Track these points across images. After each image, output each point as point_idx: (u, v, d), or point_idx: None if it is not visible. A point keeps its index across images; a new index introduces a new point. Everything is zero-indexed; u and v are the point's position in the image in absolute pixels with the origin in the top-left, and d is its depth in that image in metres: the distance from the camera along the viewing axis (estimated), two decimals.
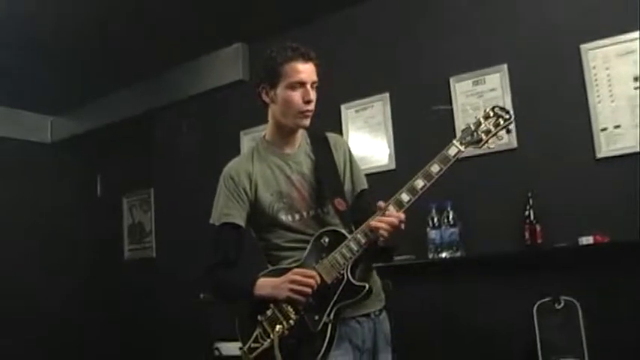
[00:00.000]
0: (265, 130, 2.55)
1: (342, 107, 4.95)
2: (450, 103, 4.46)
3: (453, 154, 2.27)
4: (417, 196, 2.25)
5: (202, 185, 4.90)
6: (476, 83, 4.41)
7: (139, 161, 6.59)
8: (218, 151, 5.48)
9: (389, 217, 2.20)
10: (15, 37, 5.12)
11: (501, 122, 2.32)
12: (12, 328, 6.10)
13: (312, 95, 2.36)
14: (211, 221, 2.43)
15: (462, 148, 2.27)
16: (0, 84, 5.88)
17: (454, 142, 2.29)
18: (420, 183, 2.25)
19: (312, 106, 2.38)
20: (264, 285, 2.29)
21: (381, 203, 2.24)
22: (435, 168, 2.26)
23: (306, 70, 2.33)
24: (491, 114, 2.33)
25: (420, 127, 4.60)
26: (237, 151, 5.14)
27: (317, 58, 2.39)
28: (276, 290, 2.25)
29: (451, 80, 4.49)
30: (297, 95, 2.33)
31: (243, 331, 2.31)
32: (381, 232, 2.19)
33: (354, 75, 4.85)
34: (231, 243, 2.39)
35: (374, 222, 2.21)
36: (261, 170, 2.45)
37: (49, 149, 7.20)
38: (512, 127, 2.36)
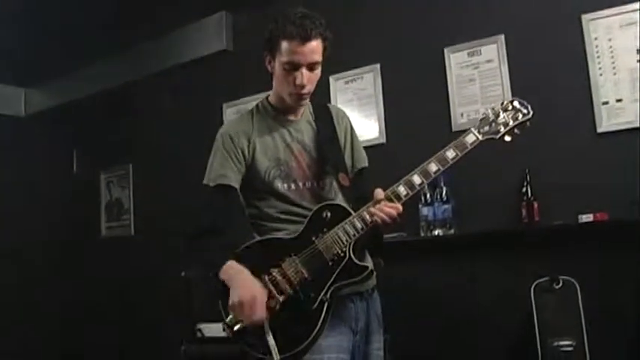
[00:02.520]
0: (270, 92, 2.43)
1: (331, 78, 4.82)
2: (445, 75, 4.35)
3: (470, 141, 2.24)
4: (429, 180, 2.20)
5: (183, 160, 4.79)
6: (471, 54, 4.30)
7: (117, 136, 6.40)
8: (200, 125, 5.33)
9: (390, 208, 2.13)
10: None
11: (520, 117, 2.29)
12: None
13: (307, 78, 2.23)
14: (205, 181, 2.32)
15: (479, 137, 2.26)
16: None
17: (472, 129, 2.28)
18: (433, 167, 2.21)
19: (307, 90, 2.26)
20: (228, 273, 2.14)
21: (379, 190, 2.17)
22: (450, 153, 2.22)
23: (303, 51, 2.17)
24: (510, 107, 2.31)
25: (412, 99, 4.49)
26: (219, 124, 4.97)
27: (324, 31, 2.21)
28: (231, 289, 2.10)
29: (445, 51, 4.38)
30: (290, 77, 2.23)
31: (227, 302, 2.15)
32: (378, 220, 2.12)
33: (344, 45, 4.66)
34: (224, 207, 2.30)
35: (374, 209, 2.13)
36: (261, 134, 2.35)
37: (22, 123, 7.01)
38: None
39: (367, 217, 2.14)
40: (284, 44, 2.17)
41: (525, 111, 2.29)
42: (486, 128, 2.26)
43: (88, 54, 6.15)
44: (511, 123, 2.27)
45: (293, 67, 2.19)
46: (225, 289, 2.17)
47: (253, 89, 4.70)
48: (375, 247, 2.41)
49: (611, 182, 3.69)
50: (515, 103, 2.31)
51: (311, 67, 2.22)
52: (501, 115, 2.28)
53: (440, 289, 4.19)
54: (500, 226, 4.01)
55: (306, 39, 2.16)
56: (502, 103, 2.31)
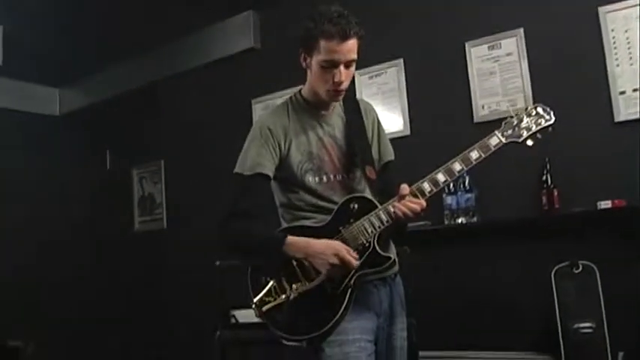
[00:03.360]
0: (303, 87, 2.48)
1: (356, 73, 4.82)
2: (466, 68, 4.45)
3: (494, 144, 2.30)
4: (453, 179, 2.28)
5: (213, 155, 4.92)
6: (492, 48, 4.38)
7: (149, 132, 6.56)
8: (229, 121, 5.47)
9: (413, 203, 2.20)
10: (22, 8, 5.08)
11: (542, 122, 2.34)
12: (24, 299, 6.17)
13: (345, 76, 2.28)
14: (239, 170, 2.34)
15: (503, 140, 2.31)
16: (8, 56, 5.81)
17: (496, 132, 2.32)
18: (457, 166, 2.26)
19: (344, 86, 2.31)
20: (298, 247, 2.22)
21: (405, 186, 2.23)
22: (474, 154, 2.27)
23: (341, 50, 2.22)
24: (534, 112, 2.36)
25: (434, 93, 4.59)
26: (248, 121, 5.13)
27: (360, 29, 2.26)
28: (312, 258, 2.19)
29: (466, 45, 4.46)
30: (328, 74, 2.26)
31: (256, 282, 2.28)
32: (400, 214, 2.19)
33: (368, 41, 4.74)
34: (260, 195, 2.33)
35: (399, 204, 2.20)
36: (295, 127, 2.40)
37: (57, 122, 7.18)
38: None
39: (392, 210, 2.21)
40: (322, 43, 2.21)
41: (548, 117, 2.35)
42: (510, 132, 2.32)
43: (119, 54, 6.28)
44: (534, 128, 2.33)
45: (332, 64, 2.23)
46: (254, 270, 2.29)
47: (280, 85, 4.79)
48: (398, 237, 2.48)
49: (628, 170, 3.76)
50: (539, 109, 2.36)
51: (347, 65, 2.26)
52: (525, 120, 2.34)
53: (464, 276, 4.29)
54: (521, 213, 4.09)
55: (345, 38, 2.20)
56: (526, 109, 2.37)
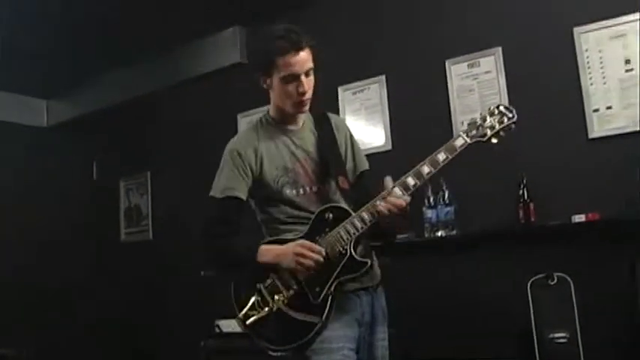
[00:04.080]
0: (269, 107, 2.56)
1: (339, 89, 5.02)
2: (446, 85, 4.55)
3: (459, 144, 2.33)
4: (422, 182, 2.32)
5: (199, 168, 4.97)
6: (471, 66, 4.48)
7: (136, 144, 6.60)
8: (215, 134, 5.49)
9: (395, 199, 2.25)
10: (10, 18, 5.10)
11: (505, 121, 2.37)
12: (10, 311, 6.14)
13: (307, 85, 2.36)
14: (212, 194, 2.43)
15: (468, 140, 2.33)
16: None
17: (461, 133, 2.36)
18: (426, 169, 2.30)
19: (308, 95, 2.39)
20: (268, 252, 2.33)
21: (388, 179, 2.31)
22: (441, 156, 2.31)
23: (298, 62, 2.31)
24: (496, 111, 2.39)
25: (416, 108, 4.67)
26: (234, 134, 5.13)
27: (311, 39, 2.35)
28: (280, 258, 2.29)
29: (447, 63, 4.56)
30: (291, 87, 2.34)
31: (239, 298, 2.34)
32: (383, 210, 2.25)
33: (351, 57, 4.90)
34: (233, 216, 2.40)
35: (379, 203, 2.27)
36: (267, 146, 2.46)
37: (45, 133, 7.18)
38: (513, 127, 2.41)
39: (366, 216, 2.26)
40: (278, 60, 2.29)
41: (510, 115, 2.37)
42: (474, 132, 2.35)
43: (108, 66, 6.29)
44: (497, 126, 2.35)
45: (292, 78, 2.31)
46: (237, 286, 2.37)
47: (265, 101, 4.80)
48: (387, 240, 2.56)
49: (602, 184, 3.88)
50: (501, 108, 2.39)
51: (307, 74, 2.35)
52: (488, 119, 2.36)
53: (443, 287, 4.34)
54: (498, 226, 4.16)
55: (298, 49, 2.29)
56: (489, 108, 2.41)
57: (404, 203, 2.26)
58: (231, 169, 2.42)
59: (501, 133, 2.38)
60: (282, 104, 2.44)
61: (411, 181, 2.30)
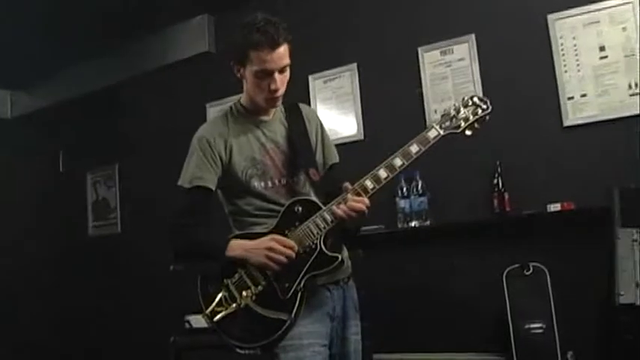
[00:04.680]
0: (241, 95, 2.49)
1: (310, 78, 4.94)
2: (419, 73, 4.50)
3: (432, 136, 2.30)
4: (394, 174, 2.27)
5: (168, 160, 4.88)
6: (444, 53, 4.44)
7: (103, 136, 6.47)
8: (184, 125, 5.40)
9: (356, 202, 2.21)
10: None
11: (479, 112, 2.36)
12: None
13: (280, 82, 2.32)
14: (180, 183, 2.37)
15: (441, 132, 2.32)
16: None
17: (434, 125, 2.34)
18: (398, 161, 2.27)
19: (280, 92, 2.35)
20: (237, 247, 2.27)
21: (347, 185, 2.26)
22: (414, 148, 2.28)
23: (273, 59, 2.25)
24: (470, 102, 2.38)
25: (388, 97, 4.62)
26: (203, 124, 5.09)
27: (288, 34, 2.29)
28: (250, 254, 2.23)
29: (419, 50, 4.51)
30: (263, 83, 2.30)
31: (206, 294, 2.29)
32: (343, 214, 2.21)
33: (323, 45, 4.84)
34: (201, 206, 2.35)
35: (342, 207, 2.22)
36: (237, 135, 2.41)
37: (9, 124, 7.05)
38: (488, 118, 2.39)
39: (337, 211, 2.22)
40: (253, 54, 2.24)
41: (485, 106, 2.36)
42: (448, 123, 2.33)
43: (73, 56, 6.17)
44: (471, 118, 2.34)
45: (265, 74, 2.27)
46: (204, 281, 2.31)
47: (235, 90, 4.65)
48: (351, 239, 2.49)
49: (577, 173, 3.87)
50: (475, 99, 2.38)
51: (281, 71, 2.30)
52: (462, 110, 2.35)
53: (417, 278, 4.31)
54: (473, 216, 4.14)
55: (274, 46, 2.23)
56: (463, 99, 2.39)
57: (363, 207, 2.22)
58: (200, 158, 2.36)
59: (476, 124, 2.37)
60: (254, 96, 2.39)
61: (382, 173, 2.26)
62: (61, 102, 6.59)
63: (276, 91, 2.32)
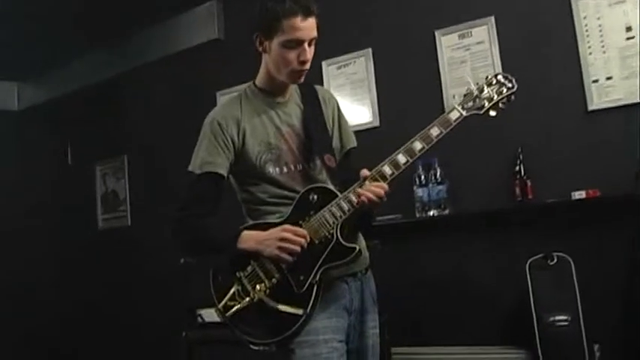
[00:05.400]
0: (257, 76, 2.38)
1: (323, 64, 4.83)
2: (436, 57, 4.37)
3: (454, 118, 2.20)
4: (414, 159, 2.17)
5: (178, 150, 4.79)
6: (462, 36, 4.31)
7: (112, 127, 6.39)
8: (193, 114, 5.32)
9: (375, 188, 2.11)
10: None
11: (504, 91, 2.26)
12: None
13: (310, 54, 2.20)
14: (190, 169, 2.25)
15: (464, 113, 2.22)
16: None
17: (456, 106, 2.23)
18: (417, 145, 2.17)
19: (307, 66, 2.24)
20: (249, 238, 2.16)
21: (365, 171, 2.16)
22: (434, 131, 2.18)
23: (305, 27, 2.14)
24: (494, 81, 2.28)
25: (404, 83, 4.51)
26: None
27: (318, 8, 2.18)
28: (262, 246, 2.13)
29: (436, 34, 4.39)
30: (292, 54, 2.18)
31: (218, 288, 2.20)
32: (363, 200, 2.11)
33: (336, 30, 4.70)
34: (211, 194, 2.24)
35: (361, 190, 2.12)
36: (250, 118, 2.30)
37: (16, 117, 7.00)
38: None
39: (354, 198, 2.12)
40: (285, 23, 2.13)
41: (510, 85, 2.26)
42: (470, 104, 2.23)
43: (80, 46, 6.11)
44: (495, 97, 2.24)
45: (296, 44, 2.16)
46: (216, 275, 2.20)
47: (245, 77, 4.61)
48: (366, 228, 2.39)
49: (602, 159, 3.75)
50: (500, 77, 2.28)
51: (310, 43, 2.20)
52: (485, 90, 2.25)
53: (436, 269, 4.22)
54: (494, 205, 4.03)
55: (308, 14, 2.13)
56: (486, 78, 2.29)
57: (382, 193, 2.12)
58: (210, 142, 2.25)
59: (500, 104, 2.26)
60: (276, 72, 2.27)
61: (401, 158, 2.16)
62: (68, 93, 6.52)
63: (304, 62, 2.20)
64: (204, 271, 2.24)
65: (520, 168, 3.93)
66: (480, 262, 4.06)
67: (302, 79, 2.30)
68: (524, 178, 3.91)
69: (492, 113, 2.25)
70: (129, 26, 5.80)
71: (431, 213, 4.16)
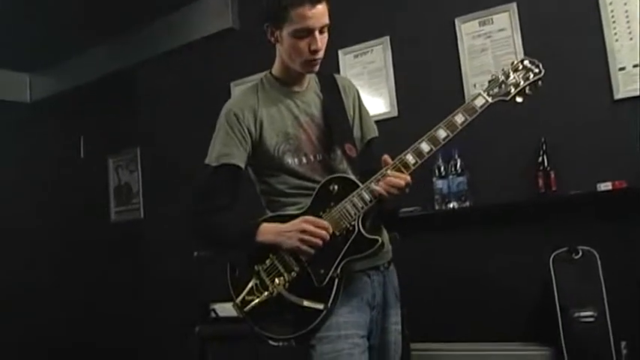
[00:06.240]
0: (274, 66, 2.34)
1: (340, 52, 4.74)
2: (456, 46, 4.28)
3: (479, 104, 2.16)
4: (438, 147, 2.12)
5: (192, 141, 4.74)
6: (483, 24, 4.21)
7: (124, 119, 6.33)
8: (207, 105, 5.26)
9: (396, 178, 2.06)
10: None
11: (531, 76, 2.22)
12: None
13: (321, 42, 2.15)
14: (207, 161, 2.22)
15: (489, 99, 2.18)
16: None
17: (481, 92, 2.19)
18: (442, 133, 2.13)
19: (320, 54, 2.19)
20: (268, 231, 2.12)
21: (386, 157, 2.11)
22: (459, 118, 2.14)
23: (314, 15, 2.09)
24: (521, 66, 2.25)
25: (423, 71, 4.42)
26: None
27: None
28: (282, 238, 2.08)
29: (456, 21, 4.29)
30: (303, 43, 2.13)
31: (236, 281, 2.15)
32: (383, 192, 2.06)
33: (352, 18, 4.64)
34: (228, 186, 2.20)
35: (380, 183, 2.07)
36: (267, 108, 2.25)
37: (28, 109, 6.97)
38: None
39: (376, 188, 2.08)
40: (292, 12, 2.09)
41: (537, 70, 2.22)
42: (496, 90, 2.19)
43: (92, 38, 6.08)
44: (522, 83, 2.20)
45: (306, 32, 2.11)
46: (233, 268, 2.16)
47: (261, 67, 4.54)
48: (390, 219, 2.34)
49: (629, 150, 3.63)
50: (526, 62, 2.25)
51: (321, 31, 2.14)
52: (511, 75, 2.21)
53: (457, 263, 4.14)
54: (516, 197, 3.94)
55: (316, 2, 2.08)
56: (512, 63, 2.25)
57: (403, 183, 2.07)
58: (227, 133, 2.21)
59: (527, 90, 2.21)
60: (290, 62, 2.23)
61: (425, 147, 2.11)
62: (81, 85, 6.48)
63: (316, 51, 2.15)
64: (220, 265, 2.20)
65: (543, 159, 3.84)
66: (502, 256, 3.97)
67: (316, 68, 2.25)
68: (548, 169, 3.82)
69: (519, 100, 2.20)
70: (141, 17, 5.73)
71: (451, 205, 4.09)
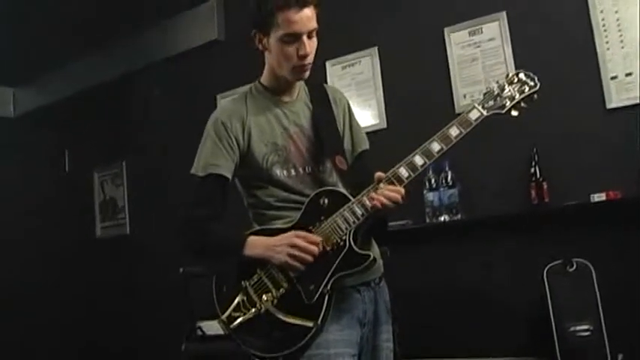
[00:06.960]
0: (263, 74, 2.28)
1: (328, 64, 4.74)
2: (445, 56, 4.27)
3: (474, 117, 2.10)
4: (432, 160, 2.06)
5: (178, 155, 4.68)
6: (472, 33, 4.22)
7: (110, 132, 6.30)
8: (193, 117, 5.22)
9: (391, 191, 2.00)
10: None
11: (526, 89, 2.16)
12: None
13: (309, 47, 2.09)
14: (193, 171, 2.16)
15: (484, 112, 2.11)
16: None
17: (476, 105, 2.13)
18: (435, 146, 2.05)
19: (309, 59, 2.12)
20: (256, 244, 2.04)
21: (380, 174, 2.03)
22: (453, 131, 2.07)
23: (301, 19, 2.04)
24: (516, 79, 2.18)
25: (412, 82, 4.40)
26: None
27: None
28: (271, 252, 2.01)
29: (445, 31, 4.29)
30: (291, 49, 2.07)
31: (222, 297, 2.08)
32: (377, 204, 1.99)
33: (340, 28, 4.60)
34: (216, 197, 2.13)
35: (374, 194, 2.01)
36: (256, 117, 2.18)
37: (12, 123, 6.93)
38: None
39: (367, 202, 2.01)
40: (279, 16, 2.03)
41: (532, 83, 2.17)
42: (491, 103, 2.13)
43: (76, 50, 6.04)
44: (517, 96, 2.14)
45: (293, 38, 2.05)
46: (219, 283, 2.10)
47: (246, 79, 4.53)
48: (379, 234, 2.27)
49: (623, 159, 3.62)
50: (521, 75, 2.18)
51: (310, 35, 2.08)
52: (507, 88, 2.15)
53: (449, 277, 4.12)
54: (508, 209, 3.93)
55: (302, 5, 2.03)
56: (507, 76, 2.19)
57: (398, 197, 2.00)
58: (214, 143, 2.14)
59: (522, 103, 2.16)
60: (279, 69, 2.16)
61: (419, 160, 2.05)
62: (65, 98, 6.43)
63: (305, 57, 2.08)
64: (206, 281, 2.14)
65: (535, 170, 3.83)
66: (495, 269, 3.95)
67: (306, 75, 2.19)
68: (540, 180, 3.81)
69: (514, 113, 2.15)
70: (126, 29, 5.73)
71: (442, 218, 4.08)
